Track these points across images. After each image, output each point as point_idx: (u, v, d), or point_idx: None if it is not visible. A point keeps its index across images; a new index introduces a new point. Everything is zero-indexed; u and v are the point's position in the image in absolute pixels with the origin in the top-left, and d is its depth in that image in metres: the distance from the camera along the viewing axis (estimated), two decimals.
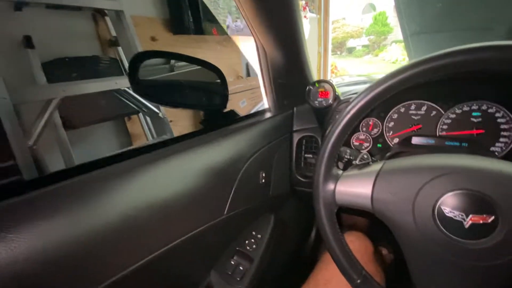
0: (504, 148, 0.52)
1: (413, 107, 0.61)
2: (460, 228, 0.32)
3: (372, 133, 0.66)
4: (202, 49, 2.57)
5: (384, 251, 0.82)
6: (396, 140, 0.63)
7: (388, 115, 0.64)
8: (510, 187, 0.30)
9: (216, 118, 0.76)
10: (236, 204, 0.60)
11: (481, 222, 0.30)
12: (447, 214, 0.32)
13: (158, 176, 0.46)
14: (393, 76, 0.37)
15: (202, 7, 2.48)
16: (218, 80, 0.69)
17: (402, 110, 0.62)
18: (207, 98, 0.73)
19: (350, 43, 12.57)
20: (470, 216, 0.31)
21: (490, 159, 0.34)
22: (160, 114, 1.82)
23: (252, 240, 0.68)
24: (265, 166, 0.70)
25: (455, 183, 0.32)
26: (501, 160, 0.34)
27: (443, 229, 0.33)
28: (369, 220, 1.00)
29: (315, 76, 0.81)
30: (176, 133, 1.98)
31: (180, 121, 2.35)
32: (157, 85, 0.80)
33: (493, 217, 0.30)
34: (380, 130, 0.65)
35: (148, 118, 1.93)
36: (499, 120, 0.52)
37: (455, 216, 0.32)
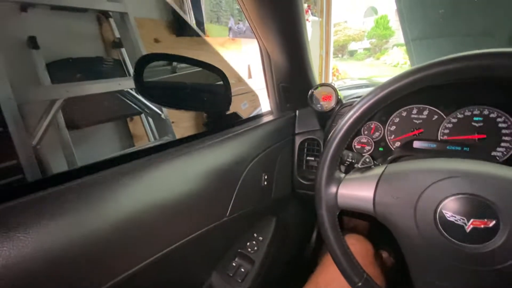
0: (505, 153, 0.52)
1: (415, 111, 0.61)
2: (461, 232, 0.32)
3: (373, 137, 0.66)
4: (204, 51, 2.58)
5: (385, 254, 0.82)
6: (397, 144, 0.64)
7: (390, 119, 0.64)
8: (511, 192, 0.30)
9: (218, 120, 0.76)
10: (238, 206, 0.60)
11: (482, 226, 0.31)
12: (448, 218, 0.33)
13: (161, 178, 0.47)
14: (397, 80, 0.38)
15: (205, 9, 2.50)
16: (221, 82, 0.70)
17: (404, 114, 0.62)
18: (210, 100, 0.73)
19: (352, 46, 12.60)
20: (471, 220, 0.31)
21: (492, 164, 0.35)
22: (162, 116, 1.83)
23: (254, 242, 0.69)
24: (267, 169, 0.70)
25: (457, 187, 0.33)
26: (503, 165, 0.34)
27: (444, 233, 0.33)
28: (369, 223, 1.00)
29: (317, 80, 0.81)
30: (178, 135, 1.99)
31: (182, 122, 2.35)
32: (160, 86, 0.80)
33: (494, 222, 0.30)
34: (382, 134, 0.65)
35: (150, 119, 1.94)
36: (500, 125, 0.52)
37: (457, 220, 0.32)
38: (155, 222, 0.44)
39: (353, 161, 0.50)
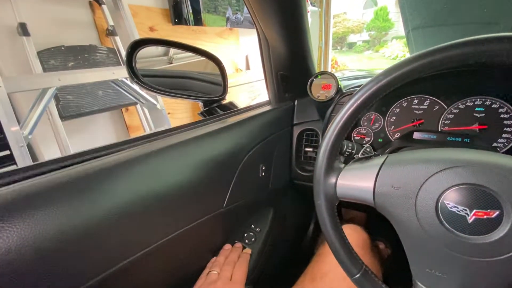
0: (506, 143, 0.51)
1: (415, 101, 0.60)
2: (463, 223, 0.31)
3: (373, 128, 0.65)
4: (201, 40, 2.53)
5: (382, 245, 0.82)
6: (397, 135, 0.62)
7: (390, 110, 0.63)
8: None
9: (215, 109, 0.75)
10: (236, 196, 0.59)
11: (485, 217, 0.30)
12: (450, 209, 0.32)
13: (157, 167, 0.46)
14: (399, 67, 0.36)
15: None
16: (218, 72, 0.68)
17: (405, 104, 0.61)
18: (206, 89, 0.71)
19: (351, 38, 12.49)
20: (474, 211, 0.30)
21: (494, 153, 0.34)
22: (158, 106, 1.80)
23: (251, 233, 0.68)
24: (265, 159, 0.69)
25: (459, 177, 0.32)
26: (506, 155, 0.33)
27: (446, 224, 0.32)
28: (367, 215, 1.00)
29: (316, 70, 0.79)
30: (174, 126, 1.97)
31: (178, 113, 2.32)
32: (155, 75, 0.78)
33: (497, 212, 0.29)
34: (382, 125, 0.64)
35: (146, 110, 1.91)
36: (502, 115, 0.51)
37: (459, 211, 0.31)
38: (149, 213, 0.43)
39: (352, 151, 0.49)
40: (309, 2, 2.75)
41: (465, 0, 0.70)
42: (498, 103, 0.51)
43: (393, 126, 0.63)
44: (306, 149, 0.79)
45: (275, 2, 0.56)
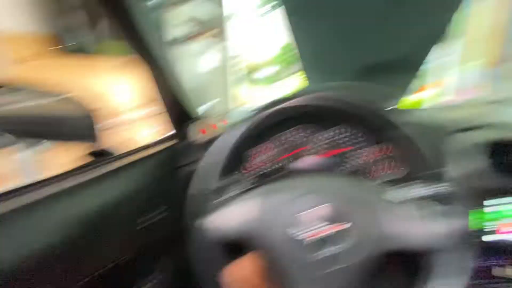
0: (365, 162, 0.61)
1: (298, 131, 0.66)
2: (307, 244, 0.36)
3: (259, 160, 0.68)
4: (97, 72, 2.29)
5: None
6: (281, 164, 0.67)
7: (274, 141, 0.67)
8: (351, 202, 0.37)
9: (93, 154, 0.66)
10: (129, 248, 0.56)
11: (324, 234, 0.36)
12: (298, 232, 0.37)
13: (27, 224, 0.41)
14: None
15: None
16: (87, 111, 0.61)
17: (289, 134, 0.66)
18: (75, 132, 0.63)
19: (259, 72, 13.73)
20: (318, 229, 0.36)
21: (338, 177, 0.41)
22: (29, 152, 1.48)
23: (155, 281, 0.64)
24: (155, 204, 0.65)
25: (308, 203, 0.38)
26: (343, 178, 0.40)
27: (296, 246, 0.37)
28: None
29: (226, 104, 0.81)
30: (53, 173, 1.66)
31: (58, 157, 1.97)
32: (14, 118, 0.65)
33: (339, 227, 0.36)
34: (267, 156, 0.67)
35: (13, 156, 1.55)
36: (360, 139, 0.61)
37: (305, 231, 0.36)
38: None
39: (231, 186, 0.51)
40: (211, 37, 2.89)
41: (337, 45, 0.86)
42: (358, 130, 0.62)
43: (276, 156, 0.67)
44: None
45: (138, 41, 0.59)
